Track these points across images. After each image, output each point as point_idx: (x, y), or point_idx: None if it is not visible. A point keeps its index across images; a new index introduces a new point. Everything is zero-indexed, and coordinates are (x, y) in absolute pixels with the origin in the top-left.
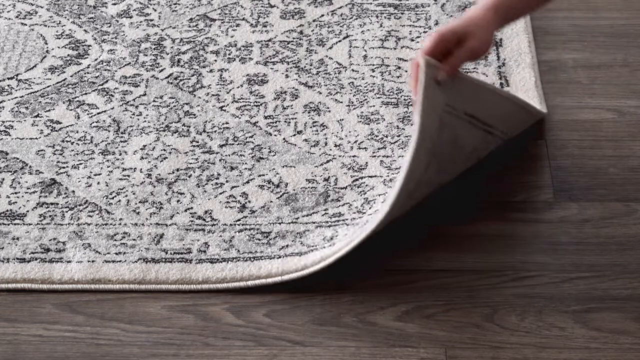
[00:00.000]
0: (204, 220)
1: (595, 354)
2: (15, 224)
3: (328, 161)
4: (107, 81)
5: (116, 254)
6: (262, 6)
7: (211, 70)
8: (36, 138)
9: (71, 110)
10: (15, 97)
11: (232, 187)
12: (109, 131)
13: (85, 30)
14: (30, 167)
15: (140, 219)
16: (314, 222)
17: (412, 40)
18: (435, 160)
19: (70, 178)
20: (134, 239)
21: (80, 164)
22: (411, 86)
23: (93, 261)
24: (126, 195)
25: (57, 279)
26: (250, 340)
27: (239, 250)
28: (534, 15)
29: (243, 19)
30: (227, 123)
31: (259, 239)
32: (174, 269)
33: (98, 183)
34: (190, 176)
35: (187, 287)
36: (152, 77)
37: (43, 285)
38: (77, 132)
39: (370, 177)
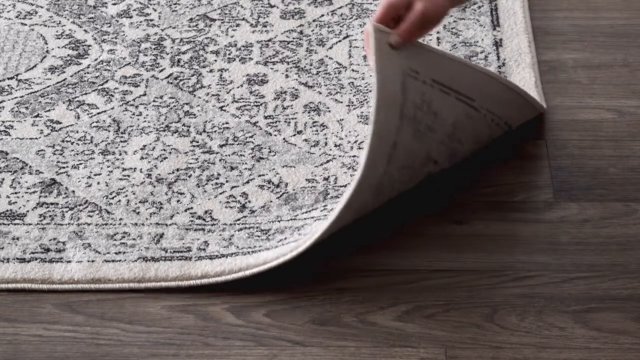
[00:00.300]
0: (204, 220)
1: (595, 354)
2: (15, 224)
3: (328, 161)
4: (107, 81)
5: (116, 253)
6: (262, 6)
7: (211, 70)
8: (36, 138)
9: (71, 110)
10: (15, 97)
11: (232, 187)
12: (109, 131)
13: (85, 30)
14: (30, 167)
15: (140, 219)
16: (312, 217)
17: None
18: (406, 130)
19: (70, 178)
20: (133, 239)
21: (80, 164)
22: (367, 55)
23: (93, 261)
24: (126, 195)
25: (57, 278)
26: (250, 340)
27: (238, 247)
28: (534, 15)
29: (243, 19)
30: (227, 123)
31: (258, 236)
32: (173, 266)
33: (98, 183)
34: (190, 176)
35: (186, 283)
36: (152, 77)
37: (43, 285)
38: (77, 132)
39: None
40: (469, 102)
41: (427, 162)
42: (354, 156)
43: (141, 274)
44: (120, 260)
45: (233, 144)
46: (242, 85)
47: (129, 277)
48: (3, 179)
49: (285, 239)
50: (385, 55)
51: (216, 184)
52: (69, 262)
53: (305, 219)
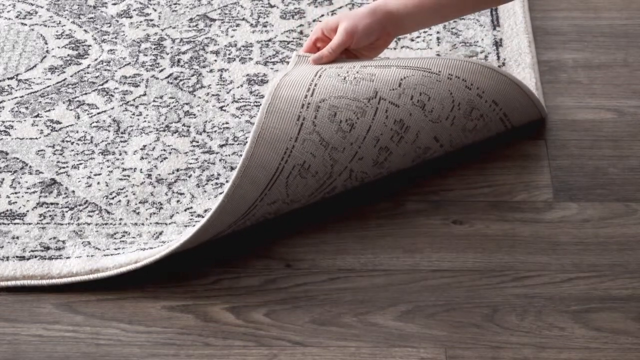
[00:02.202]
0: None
1: (595, 354)
2: (15, 224)
3: None
4: (107, 81)
5: (115, 249)
6: (262, 6)
7: (211, 70)
8: (36, 138)
9: (71, 110)
10: (15, 97)
11: None
12: (109, 131)
13: (85, 30)
14: (30, 167)
15: (140, 219)
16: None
17: (412, 40)
18: (322, 83)
19: (70, 178)
20: (133, 237)
21: (80, 164)
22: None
23: (92, 256)
24: (126, 196)
25: (55, 273)
26: (250, 340)
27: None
28: (534, 15)
29: (243, 19)
30: (227, 123)
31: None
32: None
33: (98, 183)
34: (190, 176)
35: (174, 246)
36: (152, 77)
37: (42, 280)
38: (77, 132)
39: None
40: (422, 69)
41: (381, 101)
42: None
43: (137, 257)
44: (119, 254)
45: (233, 144)
46: (242, 85)
47: (126, 262)
48: (3, 179)
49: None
50: (299, 64)
51: (216, 184)
52: (68, 258)
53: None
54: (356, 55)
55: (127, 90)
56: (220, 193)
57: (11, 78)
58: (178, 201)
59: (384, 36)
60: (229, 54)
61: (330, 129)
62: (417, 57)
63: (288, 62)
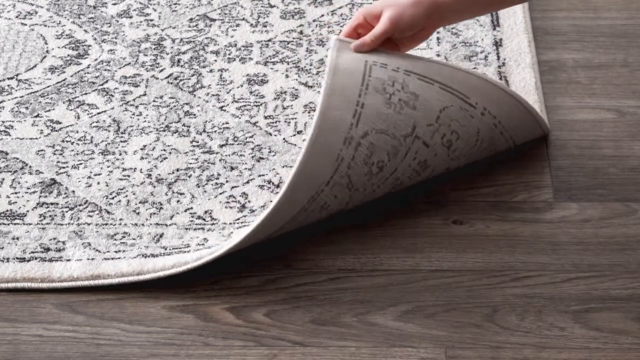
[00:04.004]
0: (204, 220)
1: (595, 354)
2: (15, 224)
3: None
4: (107, 81)
5: (115, 252)
6: (262, 6)
7: (211, 70)
8: (36, 138)
9: (71, 110)
10: (15, 97)
11: (232, 187)
12: (109, 131)
13: (85, 30)
14: (30, 167)
15: (140, 219)
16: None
17: None
18: (368, 110)
19: (70, 178)
20: (133, 239)
21: (80, 164)
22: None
23: (92, 259)
24: (126, 196)
25: (56, 277)
26: (250, 340)
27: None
28: (534, 15)
29: (243, 19)
30: (227, 123)
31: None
32: (171, 258)
33: (98, 183)
34: (190, 176)
35: (182, 268)
36: (152, 77)
37: (42, 283)
38: (77, 132)
39: None
40: (462, 97)
41: (415, 140)
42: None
43: (139, 268)
44: (119, 258)
45: (233, 144)
46: (242, 85)
47: (128, 272)
48: (3, 179)
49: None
50: (343, 52)
51: (216, 184)
52: (68, 260)
53: None
54: (397, 44)
55: (127, 90)
56: (221, 193)
57: (11, 78)
58: (178, 201)
59: (427, 27)
60: (229, 54)
61: (361, 172)
62: (454, 68)
63: (288, 62)
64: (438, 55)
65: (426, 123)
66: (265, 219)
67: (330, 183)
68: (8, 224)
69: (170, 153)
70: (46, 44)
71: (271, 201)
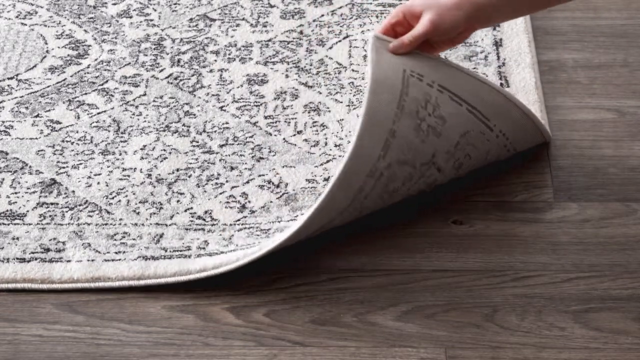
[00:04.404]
0: (204, 220)
1: (595, 354)
2: (15, 224)
3: (328, 161)
4: (107, 81)
5: (116, 253)
6: (262, 6)
7: (211, 70)
8: (36, 138)
9: (71, 110)
10: (15, 97)
11: (232, 187)
12: (109, 131)
13: (85, 30)
14: (30, 167)
15: (140, 219)
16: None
17: None
18: (405, 122)
19: (70, 178)
20: (133, 239)
21: (80, 164)
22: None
23: (93, 260)
24: (126, 196)
25: (56, 278)
26: (250, 340)
27: (237, 245)
28: (534, 15)
29: (243, 19)
30: (227, 123)
31: (258, 235)
32: (172, 264)
33: (98, 183)
34: (190, 176)
35: (184, 277)
36: (152, 77)
37: (43, 285)
38: (77, 132)
39: None
40: (484, 120)
41: (430, 167)
42: None
43: (140, 272)
44: (120, 260)
45: (233, 144)
46: (242, 85)
47: (129, 275)
48: (3, 179)
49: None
50: (382, 56)
51: (216, 184)
52: (68, 261)
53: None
54: (432, 46)
55: (127, 90)
56: (221, 193)
57: (11, 78)
58: (178, 201)
59: (467, 29)
60: (229, 54)
61: (375, 198)
62: (479, 80)
63: (288, 62)
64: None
65: (445, 150)
66: (282, 241)
67: (345, 212)
68: (8, 224)
69: (170, 153)
70: (46, 44)
71: (285, 222)
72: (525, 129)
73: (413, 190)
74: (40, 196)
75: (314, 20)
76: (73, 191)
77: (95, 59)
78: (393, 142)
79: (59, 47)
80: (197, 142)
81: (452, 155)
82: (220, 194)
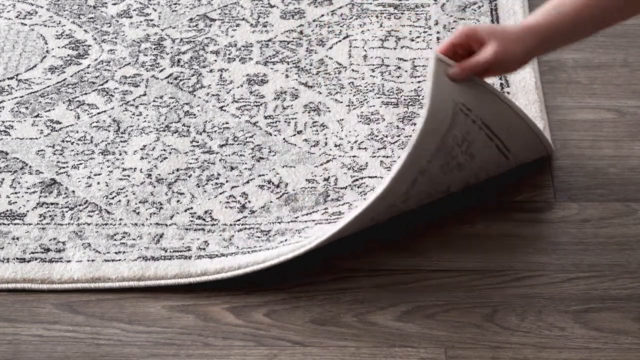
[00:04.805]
0: (204, 220)
1: (595, 354)
2: (15, 224)
3: (328, 161)
4: (107, 81)
5: (116, 253)
6: (262, 6)
7: (211, 70)
8: (36, 138)
9: (71, 110)
10: (15, 97)
11: (232, 187)
12: (109, 131)
13: (85, 30)
14: (30, 167)
15: (140, 219)
16: (313, 220)
17: (412, 40)
18: (437, 161)
19: (70, 178)
20: (133, 239)
21: (80, 164)
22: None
23: (93, 260)
24: (126, 196)
25: (56, 278)
26: (250, 340)
27: (237, 247)
28: None
29: (243, 19)
30: (227, 123)
31: (259, 237)
32: (172, 265)
33: (98, 183)
34: (190, 176)
35: (185, 280)
36: (152, 77)
37: (43, 285)
38: (77, 132)
39: (371, 177)
40: (505, 152)
41: (444, 192)
42: (353, 156)
43: (141, 273)
44: (120, 260)
45: (233, 144)
46: (242, 85)
47: (129, 276)
48: (3, 179)
49: (286, 240)
50: (441, 83)
51: (216, 184)
52: (68, 261)
53: (306, 221)
54: (488, 71)
55: (127, 90)
56: (221, 193)
57: (11, 78)
58: (178, 201)
59: (526, 61)
60: (229, 54)
61: (384, 215)
62: (511, 109)
63: (288, 62)
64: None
65: (462, 179)
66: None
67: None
68: (8, 224)
69: (170, 153)
70: (46, 44)
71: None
72: (535, 148)
73: (420, 204)
74: (40, 196)
75: (314, 20)
76: (73, 191)
77: (95, 59)
78: (420, 179)
79: (59, 47)
80: (197, 142)
81: (465, 182)
82: (220, 194)
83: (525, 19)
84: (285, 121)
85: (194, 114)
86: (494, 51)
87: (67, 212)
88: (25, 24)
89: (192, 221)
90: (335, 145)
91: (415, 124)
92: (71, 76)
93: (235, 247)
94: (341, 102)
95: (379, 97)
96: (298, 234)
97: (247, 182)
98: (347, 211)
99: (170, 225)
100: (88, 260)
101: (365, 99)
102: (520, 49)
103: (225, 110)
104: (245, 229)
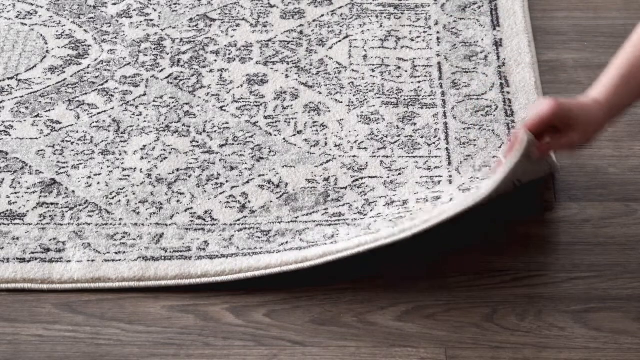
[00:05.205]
0: (204, 220)
1: (595, 354)
2: (15, 224)
3: (328, 161)
4: (107, 81)
5: (116, 253)
6: (262, 6)
7: (211, 70)
8: (36, 138)
9: (71, 110)
10: (15, 97)
11: (232, 187)
12: (109, 131)
13: (85, 30)
14: (30, 167)
15: (140, 219)
16: (313, 221)
17: (412, 40)
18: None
19: (70, 178)
20: (133, 239)
21: (80, 164)
22: (505, 153)
23: (93, 260)
24: (126, 196)
25: (56, 278)
26: (250, 340)
27: (238, 247)
28: (534, 15)
29: (243, 19)
30: (227, 123)
31: (259, 237)
32: (173, 265)
33: (98, 183)
34: (190, 176)
35: (186, 282)
36: (152, 77)
37: (43, 285)
38: (77, 132)
39: (371, 177)
40: (516, 184)
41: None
42: (353, 156)
43: (141, 273)
44: (120, 260)
45: (233, 144)
46: (242, 85)
47: (129, 276)
48: (3, 179)
49: (287, 242)
50: (523, 161)
51: (216, 184)
52: (68, 261)
53: (306, 222)
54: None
55: (127, 90)
56: (221, 193)
57: (11, 78)
58: (178, 201)
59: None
60: (229, 54)
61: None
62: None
63: (288, 62)
64: (438, 55)
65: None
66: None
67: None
68: (8, 224)
69: (170, 153)
70: (46, 44)
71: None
72: (542, 174)
73: None
74: (40, 196)
75: (314, 20)
76: (73, 191)
77: (95, 59)
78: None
79: (59, 47)
80: (197, 142)
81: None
82: (220, 194)
83: (600, 93)
84: (285, 121)
85: (194, 114)
86: (578, 138)
87: (67, 212)
88: (25, 24)
89: (192, 221)
90: (335, 145)
91: (415, 124)
92: (71, 76)
93: (235, 247)
94: (341, 102)
95: (379, 97)
96: (299, 235)
97: (247, 182)
98: (349, 211)
99: (170, 225)
100: (88, 261)
101: (365, 99)
102: (595, 130)
103: (225, 110)
104: (245, 229)
